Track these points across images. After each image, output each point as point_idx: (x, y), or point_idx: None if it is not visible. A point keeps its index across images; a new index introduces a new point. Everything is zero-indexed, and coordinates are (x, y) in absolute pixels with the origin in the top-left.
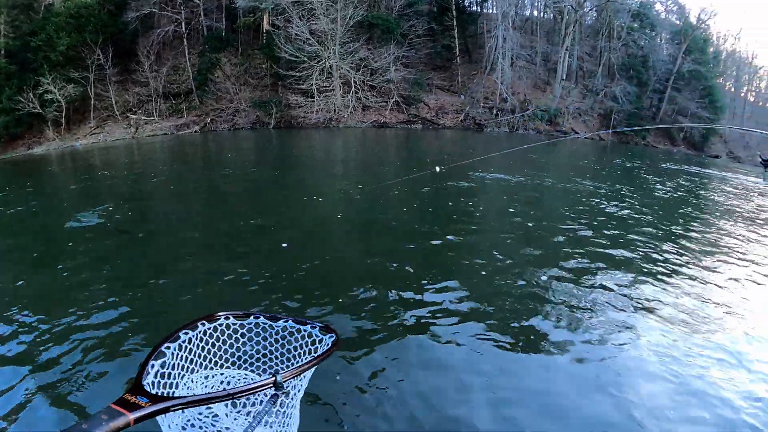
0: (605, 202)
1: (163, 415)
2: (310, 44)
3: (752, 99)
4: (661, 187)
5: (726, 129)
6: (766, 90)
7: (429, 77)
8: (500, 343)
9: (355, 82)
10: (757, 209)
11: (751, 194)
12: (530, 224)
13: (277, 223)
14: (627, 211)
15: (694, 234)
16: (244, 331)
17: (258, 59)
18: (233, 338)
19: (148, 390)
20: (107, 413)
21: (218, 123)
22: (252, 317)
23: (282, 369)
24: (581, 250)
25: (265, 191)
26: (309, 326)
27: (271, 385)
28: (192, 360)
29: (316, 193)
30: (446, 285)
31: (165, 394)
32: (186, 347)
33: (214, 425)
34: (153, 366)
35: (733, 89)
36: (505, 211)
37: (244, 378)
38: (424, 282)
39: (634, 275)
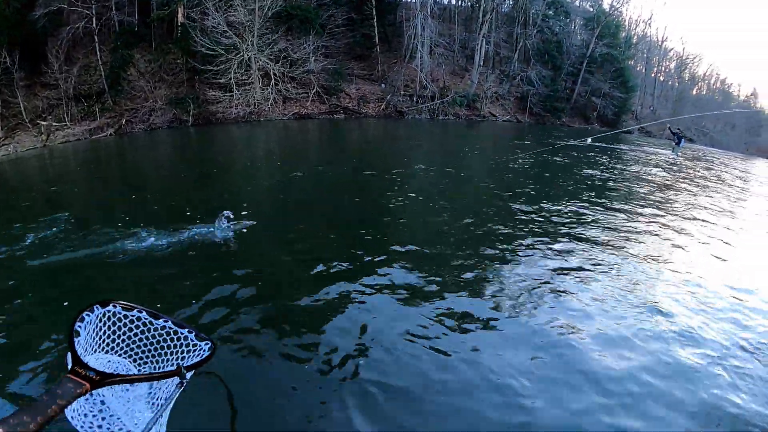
0: (527, 178)
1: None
2: (227, 36)
3: (662, 78)
4: (580, 161)
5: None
6: (675, 70)
7: (349, 67)
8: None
9: (274, 74)
10: (674, 177)
11: (666, 165)
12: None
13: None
14: (550, 184)
15: (614, 201)
16: (127, 321)
17: (173, 54)
18: (120, 327)
19: (89, 365)
20: (71, 382)
21: (134, 124)
22: (136, 311)
23: (155, 363)
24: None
25: (185, 193)
26: (186, 330)
27: (178, 373)
28: (92, 342)
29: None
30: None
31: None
32: (88, 328)
33: (102, 414)
34: (78, 342)
35: (644, 70)
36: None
37: (140, 367)
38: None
39: (564, 239)
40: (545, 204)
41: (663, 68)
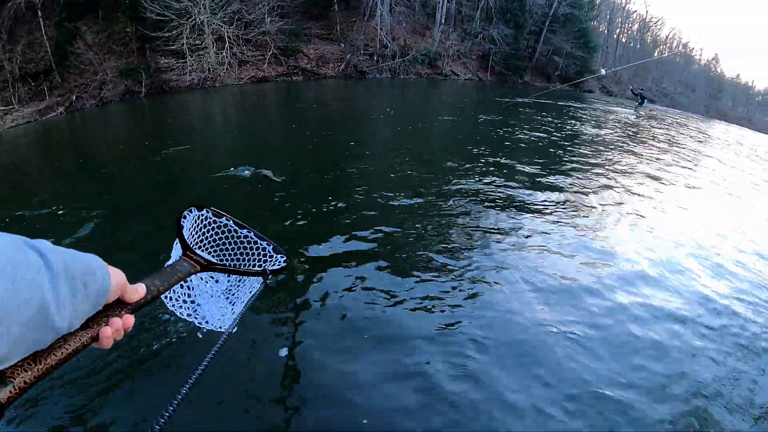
0: (493, 133)
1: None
2: (178, 0)
3: (624, 40)
4: (542, 118)
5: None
6: (637, 32)
7: (307, 27)
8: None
9: (229, 37)
10: (636, 135)
11: (628, 124)
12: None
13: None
14: (516, 138)
15: (577, 155)
16: (215, 227)
17: (122, 23)
18: (209, 230)
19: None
20: (185, 262)
21: (84, 100)
22: (224, 218)
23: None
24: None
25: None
26: (265, 242)
27: (263, 274)
28: (188, 239)
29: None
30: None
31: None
32: (186, 226)
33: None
34: (184, 234)
35: (606, 31)
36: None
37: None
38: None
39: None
40: (504, 161)
41: (625, 30)
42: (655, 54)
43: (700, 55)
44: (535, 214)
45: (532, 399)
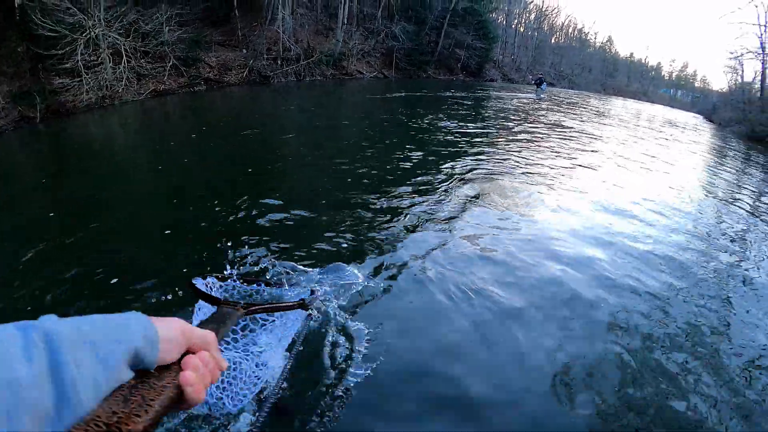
0: (391, 130)
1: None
2: (71, 14)
3: (522, 30)
4: (455, 105)
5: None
6: (534, 21)
7: (207, 34)
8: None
9: (126, 50)
10: (537, 115)
11: (529, 106)
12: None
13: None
14: (423, 129)
15: (492, 135)
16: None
17: (13, 42)
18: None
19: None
20: (226, 308)
21: None
22: (230, 280)
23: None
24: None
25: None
26: (282, 287)
27: (302, 306)
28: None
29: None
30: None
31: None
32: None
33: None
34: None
35: (505, 22)
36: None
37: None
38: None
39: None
40: (413, 153)
41: (523, 20)
42: (552, 41)
43: (595, 38)
44: (446, 200)
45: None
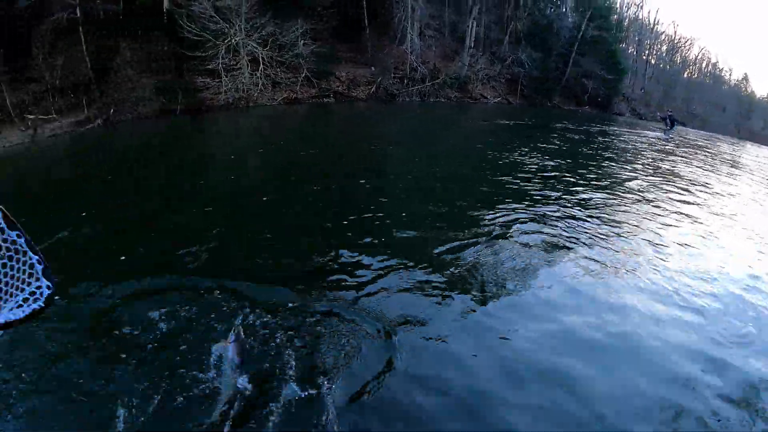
0: (523, 160)
1: None
2: (214, 22)
3: (653, 61)
4: (577, 140)
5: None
6: (666, 54)
7: (339, 50)
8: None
9: (263, 58)
10: (665, 157)
11: (656, 145)
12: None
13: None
14: (553, 162)
15: (608, 180)
16: None
17: (160, 42)
18: None
19: None
20: None
21: (121, 114)
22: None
23: None
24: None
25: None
26: (37, 257)
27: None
28: None
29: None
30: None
31: None
32: None
33: None
34: None
35: (635, 53)
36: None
37: None
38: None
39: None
40: (542, 182)
41: (654, 51)
42: (684, 75)
43: (730, 75)
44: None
45: None
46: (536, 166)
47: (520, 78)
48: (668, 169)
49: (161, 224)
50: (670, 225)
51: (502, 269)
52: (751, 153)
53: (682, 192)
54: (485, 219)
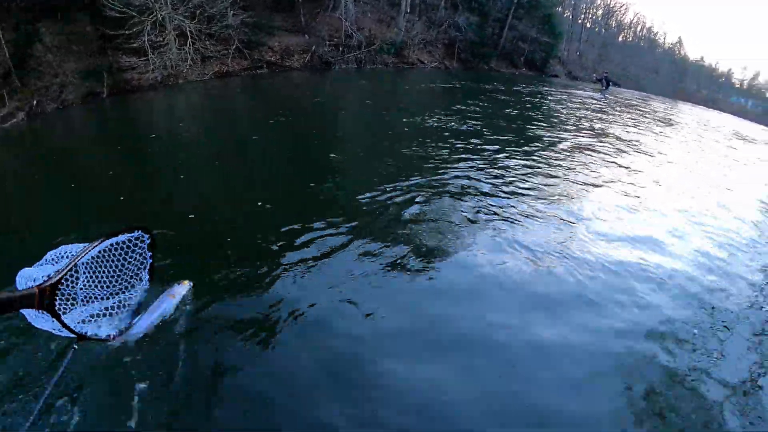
0: (456, 121)
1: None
2: None
3: (589, 25)
4: (511, 101)
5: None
6: (602, 18)
7: (271, 19)
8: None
9: (191, 32)
10: (600, 116)
11: (591, 105)
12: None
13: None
14: (487, 123)
15: (544, 139)
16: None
17: (82, 22)
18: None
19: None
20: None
21: (44, 104)
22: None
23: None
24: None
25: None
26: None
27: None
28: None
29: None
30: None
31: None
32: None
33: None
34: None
35: (571, 17)
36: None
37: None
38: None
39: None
40: (480, 145)
41: (590, 15)
42: (620, 38)
43: (664, 39)
44: (508, 197)
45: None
46: (462, 130)
47: (457, 42)
48: (602, 128)
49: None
50: (601, 186)
51: (418, 237)
52: (683, 111)
53: (615, 151)
54: (407, 184)
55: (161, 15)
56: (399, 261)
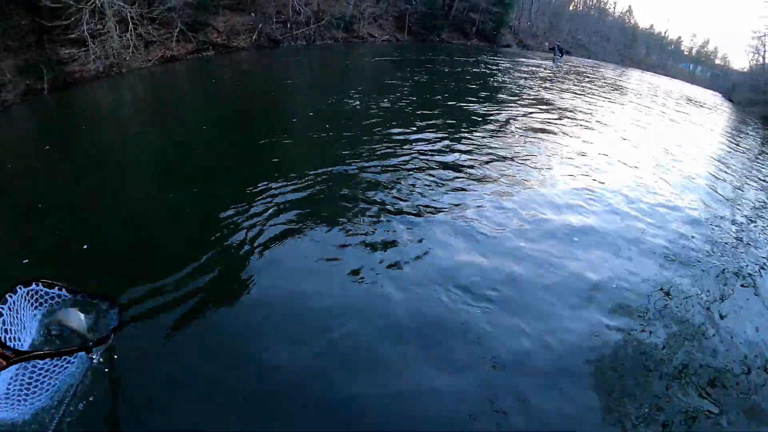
0: (407, 93)
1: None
2: None
3: None
4: (461, 72)
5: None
6: None
7: None
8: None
9: (132, 17)
10: (552, 84)
11: (543, 72)
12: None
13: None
14: (438, 95)
15: (499, 106)
16: (48, 298)
17: (16, 15)
18: (44, 300)
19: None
20: None
21: None
22: (56, 288)
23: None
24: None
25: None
26: (99, 299)
27: (85, 348)
28: (21, 316)
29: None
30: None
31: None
32: (14, 307)
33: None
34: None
35: None
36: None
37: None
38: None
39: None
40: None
41: None
42: (570, 7)
43: (614, 8)
44: (466, 168)
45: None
46: (410, 102)
47: (407, 15)
48: (553, 96)
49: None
50: (559, 153)
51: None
52: (633, 76)
53: (569, 121)
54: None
55: (100, 1)
56: (343, 245)
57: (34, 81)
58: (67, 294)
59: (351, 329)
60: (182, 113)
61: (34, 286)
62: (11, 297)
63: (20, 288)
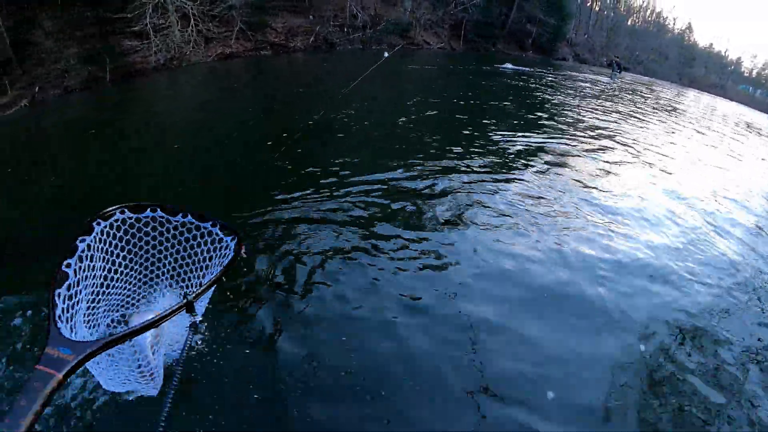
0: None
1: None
2: None
3: (597, 8)
4: (521, 84)
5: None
6: (611, 1)
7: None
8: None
9: (193, 14)
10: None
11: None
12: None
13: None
14: (498, 104)
15: (559, 125)
16: (141, 225)
17: (82, 6)
18: (129, 236)
19: (66, 335)
20: (39, 379)
21: (47, 91)
22: (149, 209)
23: (184, 280)
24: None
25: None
26: (209, 224)
27: (185, 309)
28: (94, 273)
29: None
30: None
31: (73, 325)
32: (86, 257)
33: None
34: (59, 295)
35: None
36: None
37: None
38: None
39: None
40: (488, 131)
41: None
42: (629, 22)
43: (674, 24)
44: (519, 182)
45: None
46: (473, 112)
47: (463, 23)
48: (617, 110)
49: None
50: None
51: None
52: (688, 97)
53: (630, 130)
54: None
55: None
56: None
57: (97, 69)
58: (163, 215)
59: None
60: (236, 109)
61: (118, 215)
62: (84, 242)
63: (97, 223)
